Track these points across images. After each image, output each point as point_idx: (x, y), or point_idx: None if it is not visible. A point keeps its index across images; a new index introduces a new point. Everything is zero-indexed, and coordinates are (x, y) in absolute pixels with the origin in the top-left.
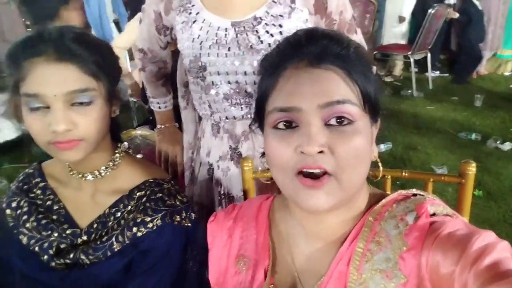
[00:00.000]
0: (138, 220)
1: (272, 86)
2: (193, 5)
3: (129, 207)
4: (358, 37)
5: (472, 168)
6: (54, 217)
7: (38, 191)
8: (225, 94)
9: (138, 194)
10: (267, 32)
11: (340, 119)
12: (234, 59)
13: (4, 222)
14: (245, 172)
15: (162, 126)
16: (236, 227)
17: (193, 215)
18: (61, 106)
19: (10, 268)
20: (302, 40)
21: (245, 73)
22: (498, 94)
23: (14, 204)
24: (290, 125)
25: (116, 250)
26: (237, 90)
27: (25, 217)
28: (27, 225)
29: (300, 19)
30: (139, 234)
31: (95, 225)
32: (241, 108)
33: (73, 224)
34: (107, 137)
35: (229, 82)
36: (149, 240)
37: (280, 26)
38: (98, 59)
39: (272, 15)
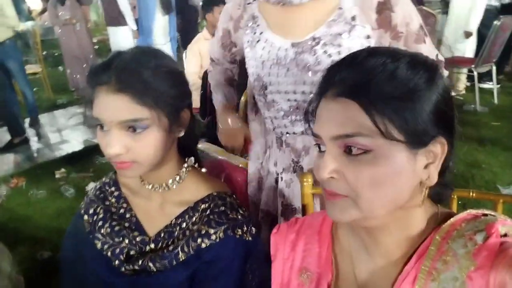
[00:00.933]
0: (203, 232)
1: (314, 110)
2: (258, 25)
3: (194, 218)
4: (427, 47)
5: None
6: (126, 224)
7: (113, 199)
8: (285, 111)
9: (202, 206)
10: (325, 52)
11: (355, 148)
12: (293, 79)
13: (81, 227)
14: (304, 187)
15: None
16: (299, 240)
17: (253, 229)
18: (116, 131)
19: (86, 269)
20: (334, 66)
21: (303, 92)
22: None
23: (91, 211)
24: (320, 148)
25: (181, 260)
26: (296, 108)
27: (100, 223)
28: (102, 230)
29: (361, 36)
30: (203, 245)
31: (162, 234)
32: (301, 124)
33: (143, 232)
34: (173, 154)
35: (288, 100)
36: (212, 251)
37: (339, 45)
38: (157, 90)
39: (331, 34)
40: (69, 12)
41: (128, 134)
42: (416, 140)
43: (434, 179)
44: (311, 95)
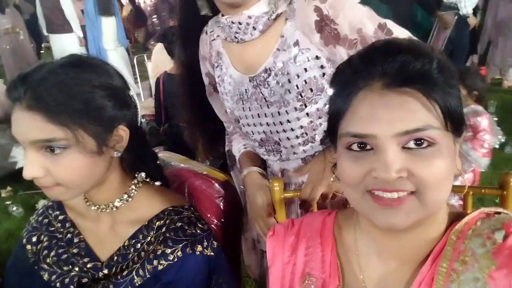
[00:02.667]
0: (159, 253)
1: (345, 107)
2: (223, 61)
3: (149, 237)
4: None
5: None
6: (75, 250)
7: (58, 224)
8: (258, 142)
9: (157, 223)
10: (277, 83)
11: (420, 141)
12: (256, 112)
13: (24, 258)
14: (275, 192)
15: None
16: (299, 243)
17: (215, 243)
18: (32, 152)
19: None
20: (375, 56)
21: (267, 124)
22: None
23: (34, 239)
24: (364, 146)
25: (137, 284)
26: (267, 139)
27: (45, 252)
28: (48, 260)
29: (310, 59)
30: (160, 267)
31: (115, 258)
32: (274, 154)
33: (94, 257)
34: (116, 172)
35: (258, 132)
36: (171, 272)
37: (288, 73)
38: (76, 108)
39: (278, 64)
40: (10, 20)
41: (46, 155)
42: (458, 129)
43: (460, 169)
44: (277, 126)
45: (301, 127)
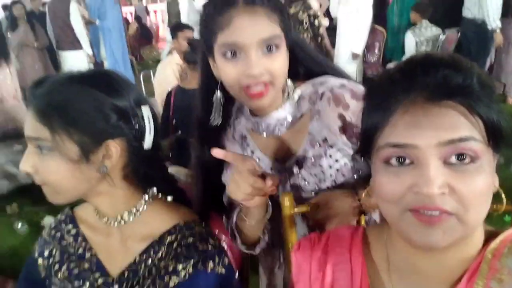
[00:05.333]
0: (170, 269)
1: (384, 120)
2: (248, 144)
3: (160, 253)
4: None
5: None
6: (86, 265)
7: (70, 239)
8: None
9: (168, 239)
10: (311, 174)
11: (462, 156)
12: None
13: (35, 272)
14: (285, 208)
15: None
16: (328, 259)
17: (226, 260)
18: (30, 149)
19: None
20: (417, 69)
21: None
22: None
23: (46, 253)
24: (404, 161)
25: None
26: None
27: (57, 266)
28: (59, 275)
29: (338, 150)
30: (172, 284)
31: (126, 274)
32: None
33: (105, 273)
34: (122, 185)
35: None
36: None
37: (320, 165)
38: (63, 115)
39: (309, 158)
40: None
41: (37, 153)
42: (498, 145)
43: (497, 186)
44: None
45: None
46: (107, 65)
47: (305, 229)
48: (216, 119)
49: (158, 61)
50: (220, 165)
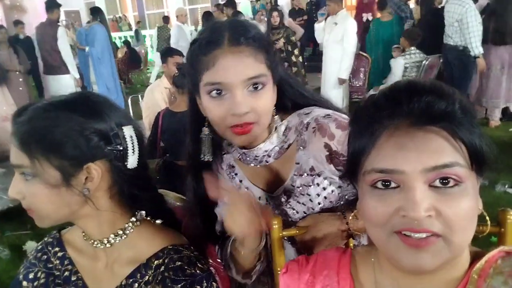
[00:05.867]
0: None
1: (370, 145)
2: (236, 174)
3: (147, 277)
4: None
5: None
6: None
7: (57, 261)
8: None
9: (156, 262)
10: (299, 202)
11: (446, 180)
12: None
13: None
14: (273, 231)
15: None
16: (316, 282)
17: (214, 284)
18: (16, 175)
19: None
20: (401, 95)
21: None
22: None
23: (31, 276)
24: (389, 184)
25: None
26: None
27: None
28: None
29: (325, 178)
30: None
31: None
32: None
33: None
34: (108, 208)
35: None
36: None
37: (308, 194)
38: (40, 141)
39: (297, 188)
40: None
41: (23, 180)
42: (481, 168)
43: (481, 209)
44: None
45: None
46: (97, 90)
47: (294, 252)
48: (206, 155)
49: (147, 85)
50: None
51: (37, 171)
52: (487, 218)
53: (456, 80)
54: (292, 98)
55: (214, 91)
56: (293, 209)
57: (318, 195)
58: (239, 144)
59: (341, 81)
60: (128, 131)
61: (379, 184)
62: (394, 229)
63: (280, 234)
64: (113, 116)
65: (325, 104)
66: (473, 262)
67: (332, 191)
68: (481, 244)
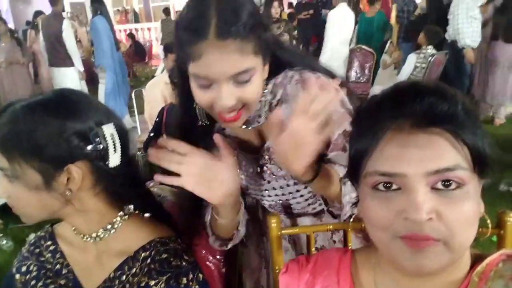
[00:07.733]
0: (142, 284)
1: (372, 146)
2: (227, 136)
3: (134, 269)
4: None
5: None
6: (62, 281)
7: (49, 255)
8: (267, 206)
9: (143, 255)
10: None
11: (448, 183)
12: (264, 187)
13: (13, 287)
14: (272, 229)
15: None
16: (316, 282)
17: (200, 276)
18: (1, 176)
19: None
20: (404, 96)
21: (276, 195)
22: None
23: (24, 269)
24: (390, 186)
25: None
26: (275, 204)
27: (33, 282)
28: None
29: None
30: None
31: None
32: (283, 214)
33: None
34: (96, 204)
35: (267, 200)
36: None
37: None
38: (20, 143)
39: None
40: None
41: (7, 181)
42: (484, 171)
43: (482, 212)
44: (285, 196)
45: (310, 191)
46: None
47: (293, 252)
48: (203, 119)
49: (151, 78)
50: None
51: (17, 174)
52: (489, 221)
53: (451, 75)
54: (290, 60)
55: (201, 81)
56: (277, 165)
57: None
58: (227, 127)
59: None
60: (108, 130)
61: (381, 186)
62: (397, 234)
63: (279, 233)
64: (92, 115)
65: (321, 67)
66: (474, 264)
67: None
68: (482, 243)
